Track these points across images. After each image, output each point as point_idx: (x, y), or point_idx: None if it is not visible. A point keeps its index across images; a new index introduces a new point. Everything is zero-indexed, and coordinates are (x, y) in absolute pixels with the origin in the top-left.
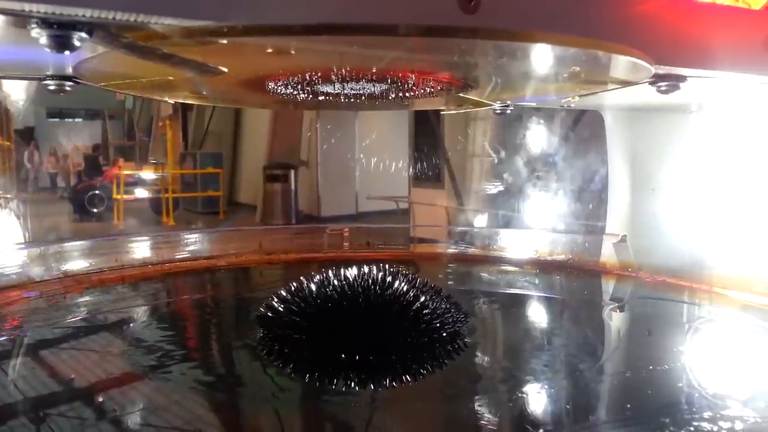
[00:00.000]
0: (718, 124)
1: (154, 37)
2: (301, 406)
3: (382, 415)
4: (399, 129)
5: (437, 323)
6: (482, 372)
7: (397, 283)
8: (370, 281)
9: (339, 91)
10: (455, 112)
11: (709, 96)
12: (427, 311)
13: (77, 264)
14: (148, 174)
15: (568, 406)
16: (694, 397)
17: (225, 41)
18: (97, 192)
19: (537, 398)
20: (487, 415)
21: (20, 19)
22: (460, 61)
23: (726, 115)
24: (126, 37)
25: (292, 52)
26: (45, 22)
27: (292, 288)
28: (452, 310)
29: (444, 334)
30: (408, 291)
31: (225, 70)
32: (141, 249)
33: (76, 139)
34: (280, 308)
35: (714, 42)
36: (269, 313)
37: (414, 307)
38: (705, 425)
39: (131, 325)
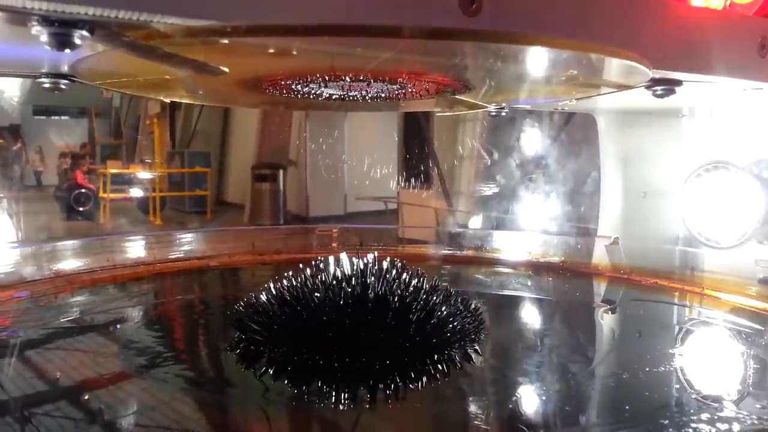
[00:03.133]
0: (709, 127)
1: (156, 36)
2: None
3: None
4: (388, 130)
5: (451, 326)
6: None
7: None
8: (367, 276)
9: (339, 93)
10: (448, 113)
11: (702, 100)
12: (437, 313)
13: (69, 264)
14: (134, 172)
15: (568, 408)
16: (689, 399)
17: (228, 41)
18: (83, 190)
19: (535, 401)
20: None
21: (20, 17)
22: (460, 63)
23: (717, 119)
24: (127, 36)
25: (294, 52)
26: (46, 20)
27: (274, 288)
28: (462, 310)
29: (458, 336)
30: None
31: (226, 70)
32: (133, 249)
33: (62, 137)
34: (264, 308)
35: (710, 47)
36: (250, 314)
37: (417, 307)
38: (703, 426)
39: (120, 326)
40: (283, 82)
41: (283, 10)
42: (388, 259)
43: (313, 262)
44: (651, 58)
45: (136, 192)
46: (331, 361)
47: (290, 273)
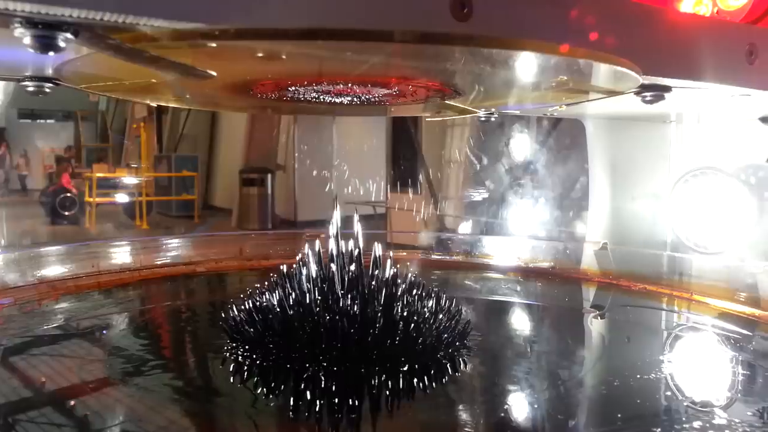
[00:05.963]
0: (696, 133)
1: (143, 39)
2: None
3: None
4: (377, 134)
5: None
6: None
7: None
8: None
9: (327, 97)
10: (437, 118)
11: (690, 106)
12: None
13: (53, 270)
14: (121, 176)
15: (559, 416)
16: (680, 406)
17: (216, 44)
18: (68, 194)
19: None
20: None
21: (2, 18)
22: (450, 68)
23: (705, 124)
24: (113, 39)
25: (283, 56)
26: (29, 22)
27: (264, 291)
28: (450, 316)
29: (446, 342)
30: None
31: (214, 74)
32: (118, 254)
33: (48, 140)
34: (256, 313)
35: (699, 53)
36: (241, 320)
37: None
38: None
39: (106, 333)
40: (271, 86)
41: (272, 13)
42: (377, 244)
43: (305, 241)
44: (641, 64)
45: (122, 196)
46: (323, 368)
47: (284, 269)
